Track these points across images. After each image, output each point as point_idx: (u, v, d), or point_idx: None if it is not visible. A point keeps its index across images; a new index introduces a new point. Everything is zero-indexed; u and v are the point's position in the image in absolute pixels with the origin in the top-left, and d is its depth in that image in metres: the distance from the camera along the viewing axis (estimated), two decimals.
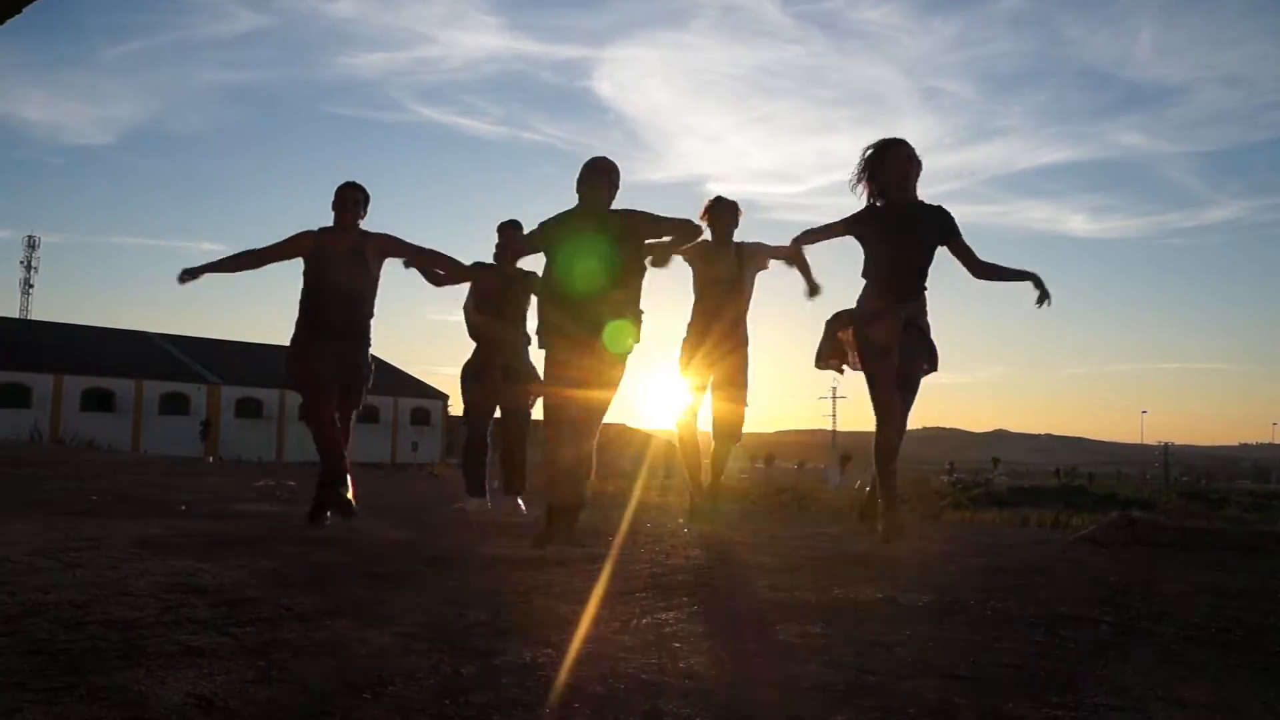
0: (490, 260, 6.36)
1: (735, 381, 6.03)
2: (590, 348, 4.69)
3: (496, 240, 6.39)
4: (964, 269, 5.18)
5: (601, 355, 4.70)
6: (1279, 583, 4.54)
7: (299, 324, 5.54)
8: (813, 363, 5.62)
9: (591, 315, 4.69)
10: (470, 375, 6.46)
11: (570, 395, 4.75)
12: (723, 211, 6.04)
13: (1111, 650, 2.88)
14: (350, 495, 5.44)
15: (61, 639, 2.50)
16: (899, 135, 5.29)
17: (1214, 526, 6.27)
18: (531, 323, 6.05)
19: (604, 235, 4.76)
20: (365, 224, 5.64)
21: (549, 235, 4.94)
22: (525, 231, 5.57)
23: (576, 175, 4.87)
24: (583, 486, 4.83)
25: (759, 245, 6.06)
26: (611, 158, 4.89)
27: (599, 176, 4.85)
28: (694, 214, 5.76)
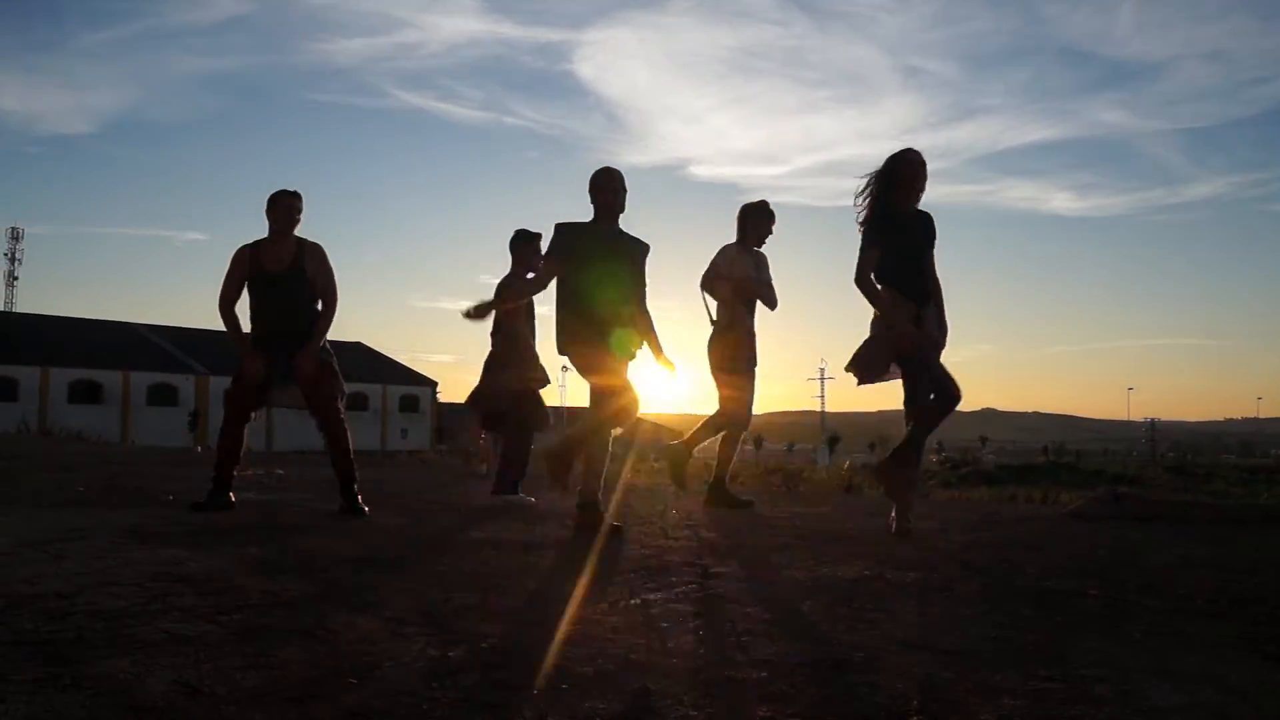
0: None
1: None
2: (599, 348, 4.83)
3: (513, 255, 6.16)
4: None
5: (608, 355, 4.86)
6: (1264, 555, 4.58)
7: None
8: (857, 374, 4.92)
9: (601, 322, 4.83)
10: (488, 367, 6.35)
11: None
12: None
13: (1099, 623, 2.89)
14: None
15: (46, 630, 2.48)
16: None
17: (1200, 501, 6.31)
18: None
19: (620, 255, 4.94)
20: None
21: (571, 247, 4.92)
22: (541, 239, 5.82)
23: (590, 181, 4.89)
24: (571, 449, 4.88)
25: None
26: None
27: (616, 186, 4.91)
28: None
